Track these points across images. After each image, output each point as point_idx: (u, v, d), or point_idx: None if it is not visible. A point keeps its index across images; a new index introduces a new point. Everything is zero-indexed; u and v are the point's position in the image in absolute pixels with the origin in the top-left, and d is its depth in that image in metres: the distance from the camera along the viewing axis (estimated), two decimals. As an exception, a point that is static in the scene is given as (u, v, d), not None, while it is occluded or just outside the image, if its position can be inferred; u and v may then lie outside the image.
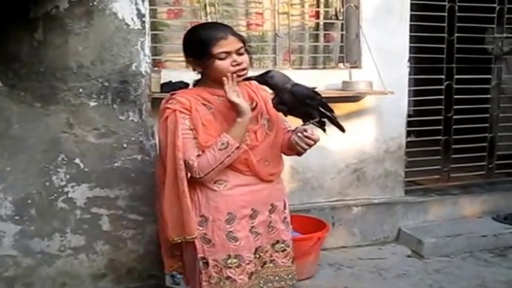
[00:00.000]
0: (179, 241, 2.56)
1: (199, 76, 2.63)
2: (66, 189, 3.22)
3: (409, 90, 4.97)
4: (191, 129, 2.46)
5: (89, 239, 3.31)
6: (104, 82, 3.18)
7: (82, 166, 3.23)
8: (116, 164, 3.27)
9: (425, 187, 5.30)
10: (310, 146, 2.50)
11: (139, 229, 3.36)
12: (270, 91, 2.63)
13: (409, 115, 5.02)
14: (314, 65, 5.00)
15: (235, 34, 2.50)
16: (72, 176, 3.22)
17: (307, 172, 4.76)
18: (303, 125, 2.54)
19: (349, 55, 4.85)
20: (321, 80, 4.58)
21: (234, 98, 2.42)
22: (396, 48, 4.74)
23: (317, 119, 2.53)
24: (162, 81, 4.05)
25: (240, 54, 2.47)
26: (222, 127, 2.49)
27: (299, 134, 2.49)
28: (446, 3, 4.94)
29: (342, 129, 2.61)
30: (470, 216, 5.24)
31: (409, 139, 5.07)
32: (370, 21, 4.68)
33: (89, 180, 3.25)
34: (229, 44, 2.44)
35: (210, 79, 2.53)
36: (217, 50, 2.42)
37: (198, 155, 2.45)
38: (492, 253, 4.79)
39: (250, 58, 2.56)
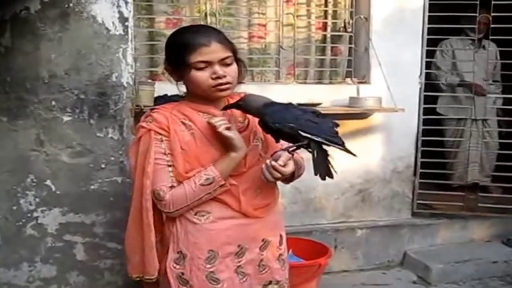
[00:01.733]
0: (138, 279, 2.13)
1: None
2: (35, 214, 2.83)
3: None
4: (167, 154, 1.97)
5: (61, 269, 2.91)
6: (80, 94, 2.78)
7: (54, 188, 2.84)
8: (92, 187, 2.87)
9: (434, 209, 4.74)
10: (276, 179, 1.96)
11: (117, 258, 2.95)
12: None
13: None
14: (319, 79, 4.48)
15: (222, 41, 1.97)
16: (42, 200, 2.83)
17: (310, 192, 4.25)
18: (287, 148, 1.99)
19: (357, 69, 4.33)
20: (327, 95, 4.11)
21: (225, 132, 1.95)
22: (407, 62, 4.20)
23: (305, 143, 1.95)
24: (156, 94, 3.54)
25: (226, 65, 1.96)
26: (204, 151, 1.99)
27: (267, 161, 1.95)
28: (477, 15, 4.30)
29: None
30: (479, 240, 4.72)
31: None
32: (380, 34, 4.16)
33: (62, 204, 2.86)
34: (211, 52, 1.93)
35: (190, 91, 2.04)
36: (195, 58, 1.92)
37: (172, 186, 1.97)
38: (502, 281, 4.27)
39: (241, 71, 2.05)
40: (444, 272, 4.24)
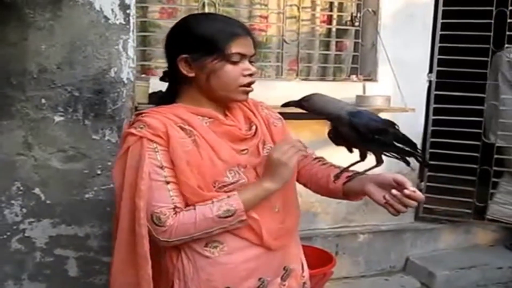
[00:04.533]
0: None
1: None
2: (22, 226, 2.55)
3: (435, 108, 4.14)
4: (164, 167, 1.59)
5: (51, 287, 2.63)
6: (74, 91, 2.48)
7: (43, 197, 2.55)
8: (87, 195, 2.58)
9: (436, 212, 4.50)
10: (407, 207, 1.66)
11: (114, 274, 2.60)
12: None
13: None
14: (322, 76, 4.18)
15: (253, 36, 1.71)
16: (30, 210, 2.55)
17: (310, 196, 3.82)
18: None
19: (363, 66, 4.06)
20: (331, 93, 3.61)
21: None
22: (415, 59, 3.94)
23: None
24: (150, 91, 3.19)
25: (251, 63, 1.70)
26: (210, 164, 1.62)
27: (395, 192, 1.62)
28: (493, 8, 4.00)
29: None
30: (482, 245, 4.57)
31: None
32: (388, 29, 3.89)
33: (52, 215, 2.57)
34: (248, 45, 1.67)
35: (202, 90, 1.69)
36: (233, 49, 1.62)
37: (175, 207, 1.58)
38: (507, 287, 4.14)
39: None
40: (448, 279, 4.07)
